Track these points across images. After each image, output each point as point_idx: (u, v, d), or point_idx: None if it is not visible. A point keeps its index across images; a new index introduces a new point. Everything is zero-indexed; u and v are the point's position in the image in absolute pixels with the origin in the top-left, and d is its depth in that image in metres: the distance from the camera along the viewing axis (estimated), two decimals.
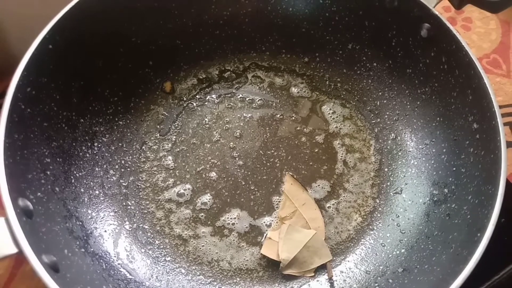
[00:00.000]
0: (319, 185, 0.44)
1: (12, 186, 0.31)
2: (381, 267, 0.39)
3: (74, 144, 0.40)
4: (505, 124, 0.50)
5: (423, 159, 0.43)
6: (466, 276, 0.30)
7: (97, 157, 0.42)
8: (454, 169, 0.40)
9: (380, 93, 0.48)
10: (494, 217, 0.32)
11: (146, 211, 0.42)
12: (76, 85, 0.41)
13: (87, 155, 0.42)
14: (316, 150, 0.46)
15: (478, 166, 0.37)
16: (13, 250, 0.29)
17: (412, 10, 0.41)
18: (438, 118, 0.43)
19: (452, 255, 0.34)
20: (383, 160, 0.46)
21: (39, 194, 0.34)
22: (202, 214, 0.42)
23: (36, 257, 0.28)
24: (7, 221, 0.29)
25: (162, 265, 0.40)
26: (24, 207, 0.31)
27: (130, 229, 0.41)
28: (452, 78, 0.40)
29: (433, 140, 0.43)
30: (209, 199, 0.43)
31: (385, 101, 0.47)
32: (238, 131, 0.47)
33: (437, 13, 0.40)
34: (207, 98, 0.49)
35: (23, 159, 0.34)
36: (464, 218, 0.36)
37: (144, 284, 0.38)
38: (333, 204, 0.43)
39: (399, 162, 0.45)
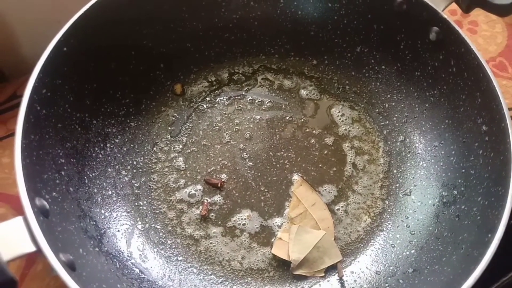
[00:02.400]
0: (325, 189, 0.44)
1: (29, 186, 0.31)
2: (391, 268, 0.40)
3: (87, 145, 0.41)
4: None
5: (432, 161, 0.44)
6: (477, 276, 0.31)
7: (109, 158, 0.43)
8: (463, 171, 0.40)
9: (388, 96, 0.48)
10: (505, 218, 0.32)
11: (158, 211, 0.43)
12: (89, 87, 0.42)
13: (100, 156, 0.42)
14: (325, 152, 0.46)
15: (487, 167, 0.37)
16: (31, 248, 0.29)
17: (421, 13, 0.42)
18: (446, 121, 0.43)
19: (462, 256, 0.35)
20: (392, 162, 0.46)
21: (54, 194, 0.35)
22: (213, 214, 0.43)
23: (55, 256, 0.29)
24: (25, 220, 0.30)
25: (174, 265, 0.40)
26: (41, 206, 0.32)
27: (143, 229, 0.41)
28: (461, 81, 0.41)
29: (442, 142, 0.43)
30: (220, 199, 0.43)
31: (393, 104, 0.48)
32: (248, 132, 0.47)
33: (446, 16, 0.40)
34: (217, 100, 0.49)
35: (39, 160, 0.34)
36: (474, 219, 0.36)
37: (157, 283, 0.38)
38: (342, 207, 0.44)
39: (408, 164, 0.45)
